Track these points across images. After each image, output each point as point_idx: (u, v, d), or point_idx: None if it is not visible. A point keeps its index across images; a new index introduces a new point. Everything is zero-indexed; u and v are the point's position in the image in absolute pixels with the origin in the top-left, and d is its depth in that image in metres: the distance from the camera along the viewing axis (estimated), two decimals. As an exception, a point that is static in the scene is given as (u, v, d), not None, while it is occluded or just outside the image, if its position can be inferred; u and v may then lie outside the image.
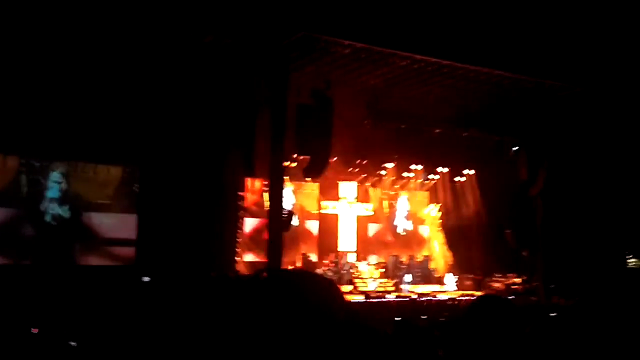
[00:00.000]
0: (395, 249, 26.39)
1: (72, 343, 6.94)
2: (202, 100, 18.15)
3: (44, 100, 16.75)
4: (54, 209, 18.53)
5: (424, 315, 13.89)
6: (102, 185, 19.25)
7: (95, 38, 15.70)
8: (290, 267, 20.04)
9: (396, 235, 26.93)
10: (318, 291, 1.84)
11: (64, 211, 18.63)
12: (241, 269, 21.15)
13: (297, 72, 17.86)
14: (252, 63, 17.23)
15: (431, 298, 20.88)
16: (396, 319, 10.60)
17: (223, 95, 18.30)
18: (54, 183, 18.66)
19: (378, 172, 25.32)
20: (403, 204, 27.05)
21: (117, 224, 18.97)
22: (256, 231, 22.23)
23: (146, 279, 16.83)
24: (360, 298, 20.49)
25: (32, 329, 7.42)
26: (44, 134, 17.48)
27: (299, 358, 1.73)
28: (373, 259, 25.49)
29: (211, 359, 2.24)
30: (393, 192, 26.67)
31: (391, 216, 26.86)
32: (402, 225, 26.97)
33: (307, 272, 2.31)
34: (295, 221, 22.34)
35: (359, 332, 1.94)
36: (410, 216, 27.22)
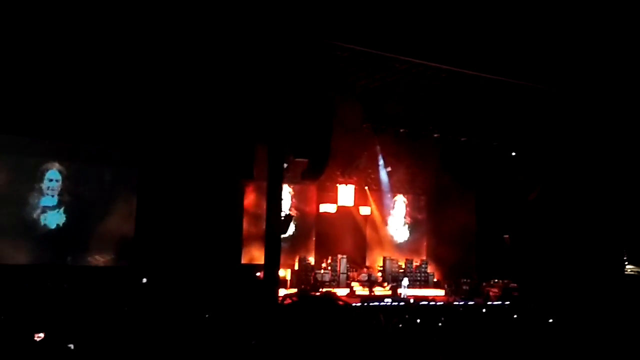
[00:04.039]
0: (393, 253, 26.43)
1: (70, 345, 6.93)
2: (205, 101, 18.11)
3: (45, 97, 16.71)
4: (46, 213, 18.54)
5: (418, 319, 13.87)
6: (99, 187, 19.19)
7: (100, 41, 15.62)
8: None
9: (393, 241, 27.03)
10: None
11: (59, 215, 18.64)
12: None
13: (298, 75, 17.85)
14: (255, 64, 17.19)
15: (428, 302, 20.83)
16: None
17: (226, 98, 18.26)
18: (49, 182, 18.64)
19: (376, 175, 25.34)
20: (400, 210, 27.10)
21: (115, 227, 18.87)
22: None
23: (144, 280, 16.82)
24: (357, 302, 20.44)
25: (31, 333, 7.40)
26: (44, 132, 17.50)
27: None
28: (371, 262, 25.53)
29: None
30: (390, 197, 26.71)
31: (388, 223, 26.98)
32: (399, 234, 27.11)
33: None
34: (292, 226, 22.37)
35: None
36: (407, 222, 27.30)
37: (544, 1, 15.92)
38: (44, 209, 18.45)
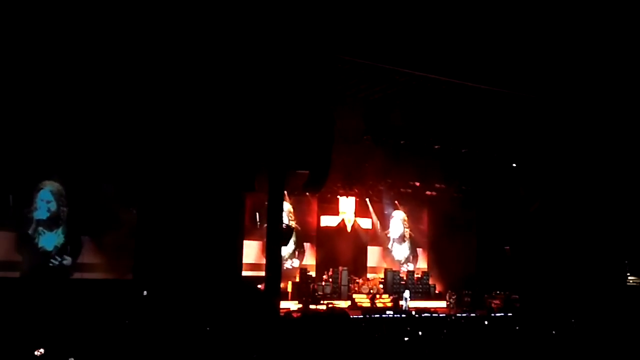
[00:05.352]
0: (394, 264, 26.39)
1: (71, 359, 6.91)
2: (206, 114, 18.11)
3: (41, 124, 16.80)
4: (42, 232, 18.47)
5: (420, 331, 13.79)
6: (98, 202, 19.08)
7: (97, 53, 15.68)
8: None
9: (394, 252, 27.05)
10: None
11: (57, 235, 18.60)
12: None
13: (299, 87, 17.89)
14: (256, 76, 17.23)
15: (431, 314, 20.77)
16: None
17: (227, 109, 18.27)
18: (40, 202, 18.55)
19: (377, 187, 25.34)
20: (401, 221, 27.15)
21: (116, 240, 18.79)
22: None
23: (145, 293, 16.78)
24: (359, 314, 20.37)
25: (32, 348, 7.38)
26: (38, 155, 17.51)
27: None
28: (371, 274, 25.49)
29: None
30: (392, 209, 26.72)
31: (389, 235, 27.03)
32: (400, 246, 27.15)
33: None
34: (292, 238, 22.38)
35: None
36: (408, 233, 27.33)
37: (548, 11, 15.96)
38: (40, 223, 18.36)
